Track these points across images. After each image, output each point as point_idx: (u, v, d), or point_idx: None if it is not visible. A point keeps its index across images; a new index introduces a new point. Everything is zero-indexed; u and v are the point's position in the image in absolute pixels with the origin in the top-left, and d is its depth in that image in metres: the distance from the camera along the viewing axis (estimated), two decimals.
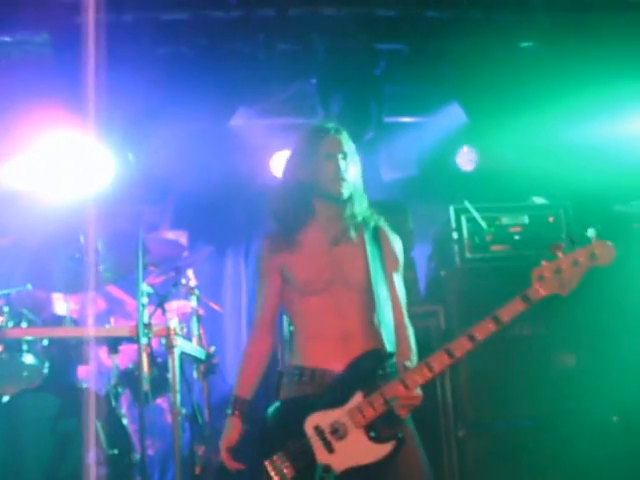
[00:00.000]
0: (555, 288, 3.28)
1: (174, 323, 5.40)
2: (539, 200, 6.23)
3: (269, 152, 6.67)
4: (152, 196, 6.51)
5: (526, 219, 6.08)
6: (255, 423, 3.61)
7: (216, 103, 6.38)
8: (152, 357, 5.78)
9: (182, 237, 7.28)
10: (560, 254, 3.32)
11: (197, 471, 5.73)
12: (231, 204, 7.13)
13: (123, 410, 5.83)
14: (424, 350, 3.57)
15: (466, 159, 6.80)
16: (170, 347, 5.34)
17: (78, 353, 6.00)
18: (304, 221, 3.65)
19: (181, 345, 5.45)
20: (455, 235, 5.98)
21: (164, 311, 5.88)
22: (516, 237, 6.03)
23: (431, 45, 6.13)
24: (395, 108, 6.78)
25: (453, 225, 5.99)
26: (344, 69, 6.19)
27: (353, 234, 3.64)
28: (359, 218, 3.67)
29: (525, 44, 6.25)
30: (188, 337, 6.04)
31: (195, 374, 6.22)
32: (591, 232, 3.32)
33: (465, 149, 6.80)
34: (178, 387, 5.29)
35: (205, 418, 6.10)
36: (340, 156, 3.62)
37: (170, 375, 5.32)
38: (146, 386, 5.33)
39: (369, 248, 3.62)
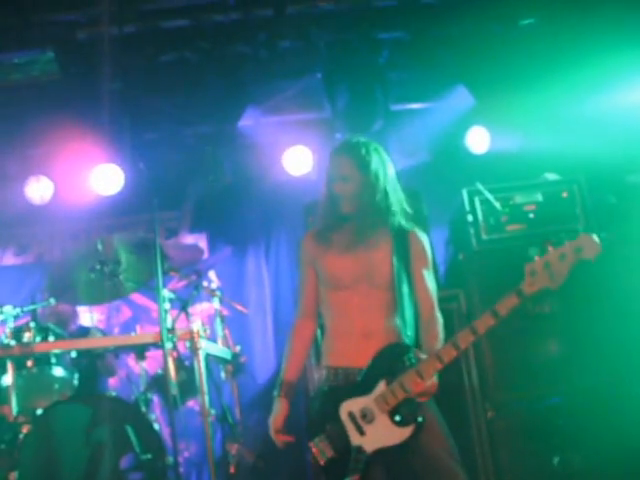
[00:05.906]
0: (545, 282, 3.41)
1: (197, 326, 5.48)
2: (552, 176, 6.20)
3: (280, 149, 6.71)
4: (168, 202, 6.57)
5: (540, 196, 6.06)
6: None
7: (223, 105, 6.45)
8: (180, 361, 5.87)
9: (201, 240, 7.35)
10: (551, 248, 3.44)
11: (232, 470, 5.82)
12: (246, 203, 7.17)
13: (154, 415, 5.91)
14: (449, 334, 3.69)
15: (477, 141, 6.77)
16: (195, 350, 5.42)
17: (105, 363, 6.11)
18: (338, 224, 3.88)
19: (205, 347, 5.52)
20: (470, 218, 5.99)
21: (188, 315, 5.93)
22: (531, 215, 6.02)
23: (431, 30, 6.14)
24: (402, 95, 6.77)
25: (467, 208, 5.99)
26: (347, 61, 6.21)
27: (380, 239, 3.83)
28: (384, 225, 3.84)
29: (525, 21, 6.23)
30: (213, 339, 6.11)
31: (223, 375, 6.29)
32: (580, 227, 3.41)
33: (475, 131, 6.77)
34: (206, 389, 5.37)
35: (236, 417, 6.17)
36: (339, 180, 3.82)
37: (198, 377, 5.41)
38: (174, 390, 5.42)
39: (396, 253, 3.81)
